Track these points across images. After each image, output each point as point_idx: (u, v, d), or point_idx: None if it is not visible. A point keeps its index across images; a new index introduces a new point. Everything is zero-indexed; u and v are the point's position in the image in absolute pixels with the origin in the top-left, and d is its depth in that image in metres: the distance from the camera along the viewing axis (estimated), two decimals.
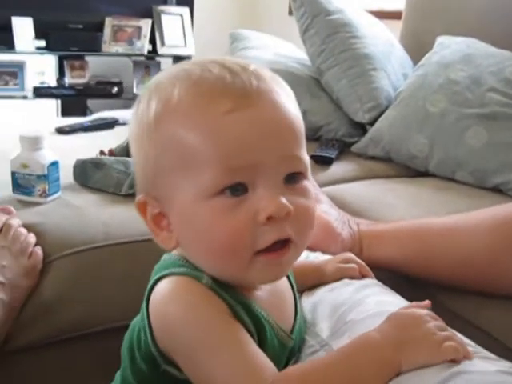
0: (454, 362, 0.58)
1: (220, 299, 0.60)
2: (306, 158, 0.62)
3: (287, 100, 0.61)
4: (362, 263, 0.86)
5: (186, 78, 0.61)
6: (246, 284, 0.64)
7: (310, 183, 0.63)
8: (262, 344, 0.62)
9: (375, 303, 0.74)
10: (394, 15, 2.49)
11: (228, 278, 0.61)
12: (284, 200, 0.58)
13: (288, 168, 0.60)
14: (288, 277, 0.74)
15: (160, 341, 0.61)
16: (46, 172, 1.17)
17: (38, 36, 3.35)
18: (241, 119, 0.57)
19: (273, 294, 0.68)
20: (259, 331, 0.62)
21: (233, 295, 0.61)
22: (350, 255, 0.88)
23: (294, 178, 0.61)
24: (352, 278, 0.83)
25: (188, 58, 3.56)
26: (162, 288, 0.61)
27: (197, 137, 0.58)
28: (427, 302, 0.65)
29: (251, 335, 0.60)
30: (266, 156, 0.58)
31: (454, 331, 0.62)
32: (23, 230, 1.07)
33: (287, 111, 0.60)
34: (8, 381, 1.06)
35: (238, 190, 0.58)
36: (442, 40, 1.81)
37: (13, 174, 1.18)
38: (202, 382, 0.59)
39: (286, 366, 0.67)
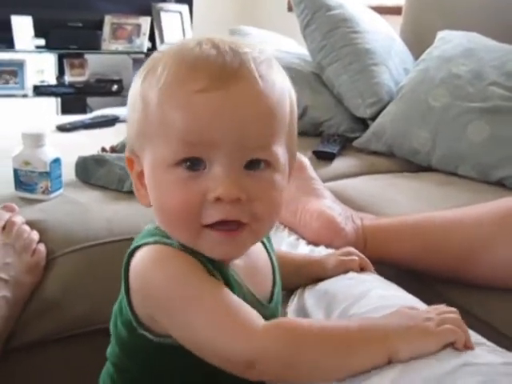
0: (456, 348, 0.58)
1: (193, 258, 0.63)
2: (277, 150, 0.63)
3: (269, 90, 0.61)
4: (362, 256, 0.87)
5: (177, 50, 0.64)
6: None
7: (278, 175, 0.64)
8: None
9: (378, 297, 0.74)
10: (394, 10, 2.49)
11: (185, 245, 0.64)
12: (235, 184, 0.60)
13: (248, 154, 0.61)
14: (267, 249, 0.76)
15: (141, 305, 0.64)
16: (48, 169, 1.16)
17: (37, 34, 3.35)
18: (209, 99, 0.59)
19: (247, 264, 0.70)
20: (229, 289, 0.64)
21: (204, 256, 0.63)
22: (351, 248, 0.89)
23: (256, 165, 0.62)
24: (353, 270, 0.84)
25: None
26: (139, 257, 0.64)
27: (169, 109, 0.61)
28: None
29: None
30: (225, 137, 0.60)
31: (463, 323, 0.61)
32: (26, 227, 1.07)
33: (262, 100, 0.61)
34: (12, 378, 1.06)
35: (195, 164, 0.61)
36: (442, 34, 1.81)
37: (15, 171, 1.18)
38: (188, 336, 0.61)
39: None
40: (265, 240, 0.77)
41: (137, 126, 0.65)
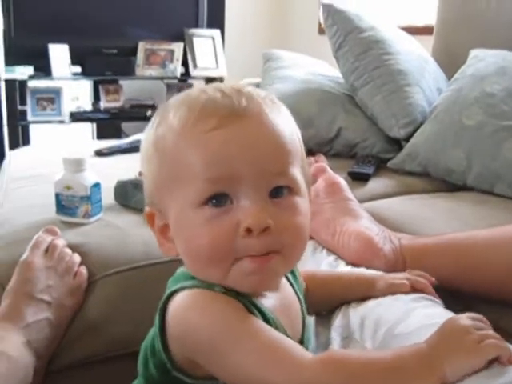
0: (502, 362, 0.58)
1: (234, 299, 0.63)
2: (296, 174, 0.65)
3: (278, 119, 0.65)
4: (419, 279, 0.86)
5: (185, 100, 0.67)
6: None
7: (301, 199, 0.66)
8: None
9: (423, 316, 0.74)
10: (425, 30, 2.50)
11: (217, 283, 0.64)
12: (264, 214, 0.61)
13: (271, 182, 0.63)
14: (292, 286, 0.76)
15: (179, 350, 0.64)
16: (88, 193, 1.19)
17: (73, 62, 3.42)
18: (224, 135, 0.61)
19: (281, 303, 0.70)
20: None
21: (245, 297, 0.64)
22: (404, 274, 0.88)
23: (280, 193, 0.64)
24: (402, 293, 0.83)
25: (220, 79, 3.59)
26: (179, 300, 0.65)
27: (185, 152, 0.63)
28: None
29: None
30: (246, 169, 0.61)
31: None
32: (68, 250, 1.09)
33: (274, 129, 0.64)
34: None
35: (222, 201, 0.62)
36: (475, 53, 1.80)
37: (57, 195, 1.21)
38: (237, 377, 0.61)
39: None
40: (289, 274, 0.77)
41: (155, 178, 0.67)
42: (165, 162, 0.65)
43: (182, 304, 0.64)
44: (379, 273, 0.93)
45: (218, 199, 0.62)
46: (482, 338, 0.59)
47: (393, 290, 0.84)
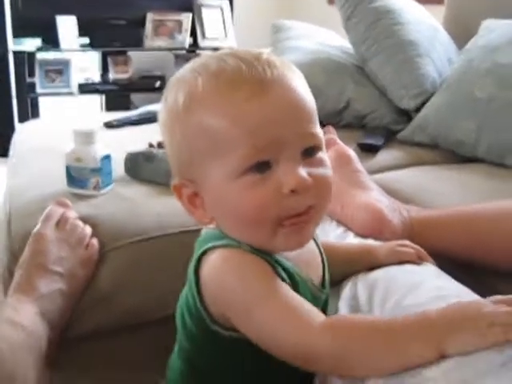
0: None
1: (261, 259, 0.68)
2: (320, 132, 0.69)
3: (298, 83, 0.69)
4: (419, 248, 0.87)
5: (205, 70, 0.68)
6: (275, 251, 0.70)
7: (324, 154, 0.71)
8: None
9: (433, 287, 0.74)
10: (436, 0, 2.46)
11: (257, 247, 0.69)
12: (304, 173, 0.66)
13: (305, 143, 0.67)
14: (316, 243, 0.81)
15: (213, 304, 0.69)
16: (99, 165, 1.19)
17: (81, 33, 3.41)
18: (260, 104, 0.64)
19: (303, 253, 0.74)
20: (294, 286, 0.69)
21: (270, 256, 0.69)
22: (406, 241, 0.89)
23: (310, 152, 0.68)
24: (410, 262, 0.84)
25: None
26: (213, 260, 0.69)
27: (223, 122, 0.65)
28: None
29: None
30: (285, 133, 0.65)
31: None
32: (79, 222, 1.10)
33: (299, 93, 0.68)
34: (71, 365, 1.09)
35: (263, 167, 0.65)
36: (487, 23, 1.78)
37: (67, 167, 1.21)
38: (256, 332, 0.66)
39: None
40: None
41: (184, 151, 0.69)
42: (198, 134, 0.67)
43: (216, 263, 0.68)
44: (378, 243, 0.94)
45: (260, 166, 0.65)
46: (495, 321, 0.58)
47: (397, 257, 0.86)
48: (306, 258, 0.76)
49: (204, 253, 0.70)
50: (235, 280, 0.66)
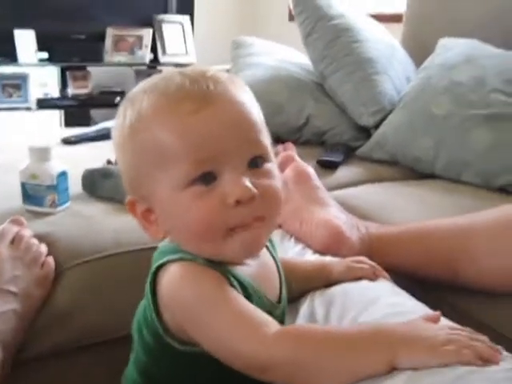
0: (467, 365, 0.57)
1: (215, 271, 0.68)
2: (266, 142, 0.71)
3: (243, 96, 0.70)
4: (374, 264, 0.88)
5: (153, 88, 0.70)
6: (228, 261, 0.71)
7: (273, 165, 0.71)
8: None
9: (388, 304, 0.74)
10: (395, 18, 2.50)
11: (210, 258, 0.69)
12: (248, 184, 0.66)
13: (249, 152, 0.68)
14: (270, 252, 0.81)
15: (170, 317, 0.70)
16: (55, 182, 1.17)
17: (40, 48, 3.36)
18: (203, 117, 0.65)
19: (260, 269, 0.75)
20: (248, 299, 0.69)
21: (225, 269, 0.69)
22: (362, 257, 0.90)
23: (256, 162, 0.69)
24: (365, 278, 0.85)
25: (189, 65, 3.56)
26: (169, 276, 0.69)
27: (166, 137, 0.66)
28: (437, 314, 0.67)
29: None
30: (228, 145, 0.66)
31: (485, 338, 0.61)
32: (35, 241, 1.08)
33: (243, 105, 0.69)
34: None
35: (207, 179, 0.66)
36: (444, 42, 1.82)
37: (22, 184, 1.19)
38: (212, 343, 0.66)
39: None
40: (267, 242, 0.81)
41: (133, 167, 0.71)
42: (144, 150, 0.68)
43: (172, 277, 0.69)
44: (337, 259, 0.95)
45: (204, 178, 0.66)
46: (448, 341, 0.59)
47: (352, 273, 0.87)
48: (263, 274, 0.76)
49: (160, 267, 0.71)
50: (190, 293, 0.67)
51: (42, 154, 1.17)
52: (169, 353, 0.72)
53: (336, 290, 0.83)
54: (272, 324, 0.65)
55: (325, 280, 0.88)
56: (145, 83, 0.72)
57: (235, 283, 0.69)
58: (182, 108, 0.66)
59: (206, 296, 0.67)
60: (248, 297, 0.69)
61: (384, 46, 1.91)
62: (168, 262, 0.70)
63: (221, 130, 0.66)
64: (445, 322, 0.66)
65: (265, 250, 0.79)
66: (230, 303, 0.66)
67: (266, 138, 0.71)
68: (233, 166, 0.66)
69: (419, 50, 2.00)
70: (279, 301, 0.78)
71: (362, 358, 0.60)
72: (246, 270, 0.73)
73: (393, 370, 0.58)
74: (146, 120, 0.68)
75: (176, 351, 0.71)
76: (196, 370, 0.73)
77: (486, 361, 0.58)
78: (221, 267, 0.69)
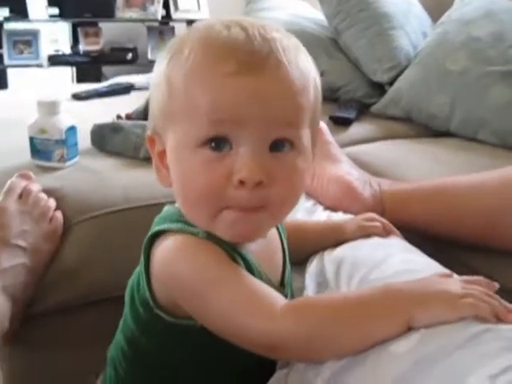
0: (483, 320, 0.56)
1: (217, 246, 0.64)
2: (302, 131, 0.64)
3: (297, 73, 0.62)
4: (385, 221, 0.86)
5: (205, 32, 0.64)
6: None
7: (301, 159, 0.64)
8: None
9: (400, 261, 0.73)
10: None
11: (204, 229, 0.65)
12: (259, 167, 0.60)
13: (275, 131, 0.62)
14: (280, 234, 0.77)
15: (162, 290, 0.67)
16: (63, 137, 1.16)
17: (50, 3, 3.33)
18: (239, 84, 0.60)
19: (264, 248, 0.71)
20: None
21: (227, 244, 0.65)
22: (373, 214, 0.88)
23: (280, 146, 0.62)
24: (376, 235, 0.83)
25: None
26: (165, 246, 0.66)
27: (197, 91, 0.61)
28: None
29: None
30: (252, 114, 0.60)
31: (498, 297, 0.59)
32: (43, 195, 1.07)
33: (290, 83, 0.61)
34: (32, 343, 1.07)
35: (221, 145, 0.61)
36: None
37: (31, 139, 1.18)
38: (213, 320, 0.63)
39: None
40: None
41: (161, 106, 0.66)
42: (173, 95, 0.64)
43: (168, 250, 0.65)
44: (349, 216, 0.93)
45: (218, 143, 0.61)
46: (464, 295, 0.57)
47: (364, 231, 0.85)
48: (267, 254, 0.73)
49: (158, 233, 0.67)
50: (188, 267, 0.63)
51: (50, 108, 1.16)
52: (158, 324, 0.68)
53: (345, 248, 0.82)
54: (279, 298, 0.62)
55: (335, 240, 0.85)
56: (201, 26, 0.67)
57: (239, 259, 0.65)
58: (224, 66, 0.60)
59: (206, 269, 0.63)
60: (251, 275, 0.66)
61: (400, 1, 1.86)
62: (167, 230, 0.67)
63: (250, 99, 0.60)
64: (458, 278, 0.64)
65: (274, 229, 0.76)
66: (233, 277, 0.62)
67: (306, 128, 0.65)
68: (252, 139, 0.61)
69: (437, 4, 1.96)
70: (281, 283, 0.74)
71: (377, 323, 0.58)
72: (249, 246, 0.69)
73: (408, 329, 0.57)
74: (185, 68, 0.62)
75: (166, 323, 0.67)
76: (186, 343, 0.69)
77: (499, 319, 0.57)
78: (225, 244, 0.65)
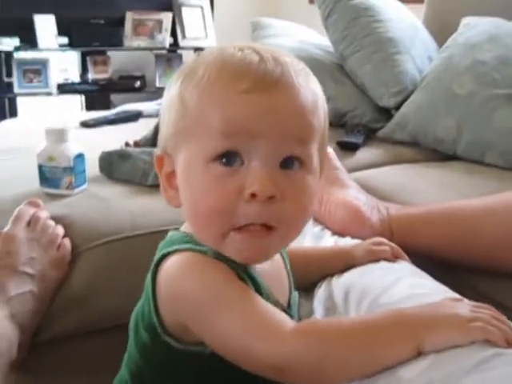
0: (493, 344, 0.56)
1: (226, 265, 0.63)
2: (312, 150, 0.65)
3: (308, 95, 0.64)
4: (395, 246, 0.86)
5: (218, 54, 0.65)
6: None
7: (311, 177, 0.65)
8: None
9: (409, 285, 0.73)
10: None
11: (206, 244, 0.65)
12: (272, 181, 0.61)
13: (286, 149, 0.62)
14: (283, 259, 0.77)
15: (169, 312, 0.65)
16: (71, 164, 1.17)
17: (60, 33, 3.37)
18: (253, 100, 0.61)
19: (271, 270, 0.71)
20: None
21: (236, 264, 0.64)
22: (381, 238, 0.88)
23: (290, 164, 0.63)
24: (385, 260, 0.83)
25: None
26: (172, 263, 0.65)
27: (212, 107, 0.62)
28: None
29: None
30: (264, 129, 0.61)
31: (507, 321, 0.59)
32: (51, 222, 1.07)
33: (302, 103, 0.63)
34: (39, 371, 1.06)
35: (232, 160, 0.62)
36: (467, 21, 1.78)
37: (39, 167, 1.19)
38: (221, 341, 0.61)
39: None
40: None
41: (173, 125, 0.66)
42: (187, 113, 0.64)
43: (174, 267, 0.64)
44: (357, 241, 0.92)
45: (229, 158, 0.62)
46: (474, 318, 0.57)
47: (372, 256, 0.84)
48: (275, 276, 0.72)
49: (164, 256, 0.66)
50: (195, 284, 0.62)
51: (58, 135, 1.16)
52: (165, 352, 0.67)
53: (354, 272, 0.81)
54: (288, 320, 0.61)
55: (344, 265, 0.84)
56: (214, 49, 0.68)
57: (247, 280, 0.65)
58: (238, 84, 0.61)
59: (213, 289, 0.62)
60: (260, 296, 0.65)
61: (405, 25, 1.88)
62: (175, 251, 0.66)
63: (263, 113, 0.61)
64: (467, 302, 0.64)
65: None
66: (242, 297, 0.61)
67: (316, 148, 0.66)
68: (264, 153, 0.61)
69: (442, 29, 1.96)
70: (288, 306, 0.74)
71: (387, 349, 0.57)
72: (258, 267, 0.68)
73: (418, 354, 0.57)
74: (199, 87, 0.63)
75: (174, 350, 0.66)
76: (195, 370, 0.68)
77: (509, 343, 0.56)
78: (231, 262, 0.64)
